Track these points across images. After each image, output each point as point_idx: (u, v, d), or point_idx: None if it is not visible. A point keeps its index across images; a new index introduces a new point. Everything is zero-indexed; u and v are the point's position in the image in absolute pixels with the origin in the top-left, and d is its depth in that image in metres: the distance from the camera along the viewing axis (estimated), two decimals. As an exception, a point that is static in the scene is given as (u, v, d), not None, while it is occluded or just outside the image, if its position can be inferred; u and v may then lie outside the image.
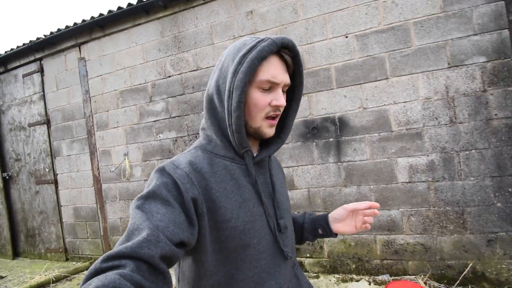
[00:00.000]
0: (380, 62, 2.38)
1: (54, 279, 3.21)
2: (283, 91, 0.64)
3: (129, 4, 3.08)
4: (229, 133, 0.61)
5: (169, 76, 3.10)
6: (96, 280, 0.37)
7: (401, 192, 2.37)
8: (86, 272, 0.43)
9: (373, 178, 2.44)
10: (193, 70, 2.99)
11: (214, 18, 2.88)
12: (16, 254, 4.27)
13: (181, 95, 3.06)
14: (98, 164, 3.56)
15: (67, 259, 3.86)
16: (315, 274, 2.65)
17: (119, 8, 3.11)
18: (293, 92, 0.70)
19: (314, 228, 0.83)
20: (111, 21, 3.25)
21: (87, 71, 3.54)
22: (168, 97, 3.13)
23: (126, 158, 3.37)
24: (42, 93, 3.85)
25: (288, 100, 0.70)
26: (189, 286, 0.63)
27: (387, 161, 2.39)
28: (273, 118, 0.63)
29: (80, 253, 3.78)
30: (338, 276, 2.56)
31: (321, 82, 2.55)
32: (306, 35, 2.58)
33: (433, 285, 2.26)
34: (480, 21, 2.14)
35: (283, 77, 0.61)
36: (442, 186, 2.27)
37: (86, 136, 3.61)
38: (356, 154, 2.47)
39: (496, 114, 2.13)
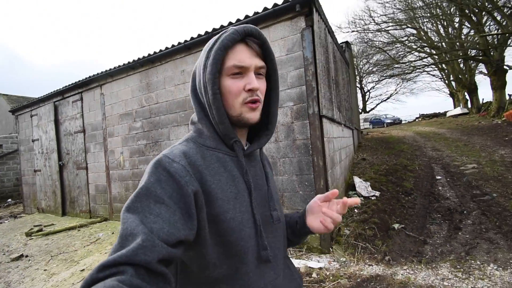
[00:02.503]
0: (243, 103, 3.99)
1: (79, 225, 5.44)
2: (259, 74, 0.63)
3: (124, 64, 5.19)
4: (215, 125, 0.62)
5: (143, 106, 5.12)
6: None
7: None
8: (82, 283, 0.40)
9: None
10: (155, 103, 4.95)
11: (165, 73, 4.80)
12: (63, 213, 6.76)
13: (149, 118, 5.04)
14: (108, 158, 5.75)
15: (90, 217, 6.14)
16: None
17: (119, 66, 5.25)
18: (269, 82, 0.69)
19: (294, 222, 0.77)
20: (116, 73, 5.42)
21: (104, 101, 5.79)
22: (143, 119, 5.13)
23: (122, 155, 5.48)
24: (81, 113, 6.25)
25: (267, 91, 0.69)
26: (190, 279, 0.61)
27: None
28: (252, 102, 0.61)
29: (97, 214, 6.02)
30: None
31: (216, 114, 4.25)
32: (210, 85, 4.31)
33: None
34: (290, 80, 3.63)
35: (252, 61, 0.60)
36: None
37: (103, 141, 5.84)
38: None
39: (297, 137, 3.59)
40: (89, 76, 5.83)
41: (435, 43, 16.46)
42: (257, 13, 3.70)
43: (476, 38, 13.04)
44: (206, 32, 4.13)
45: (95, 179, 6.03)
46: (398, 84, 28.97)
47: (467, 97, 18.41)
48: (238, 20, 3.84)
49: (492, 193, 4.05)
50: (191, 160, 0.59)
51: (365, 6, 36.14)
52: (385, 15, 16.22)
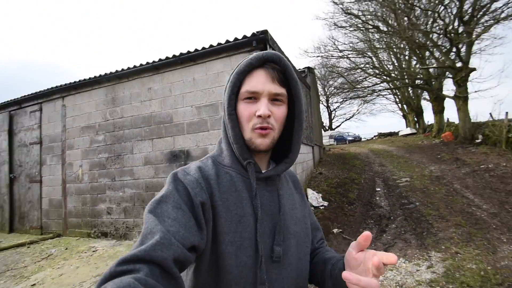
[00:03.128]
0: (206, 121, 4.32)
1: (29, 242, 5.16)
2: (277, 100, 0.63)
3: (90, 78, 5.26)
4: (231, 144, 0.64)
5: (107, 120, 5.18)
6: (111, 284, 0.38)
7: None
8: (101, 276, 0.43)
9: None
10: (120, 118, 5.06)
11: (132, 89, 4.97)
12: (11, 230, 6.30)
13: (113, 131, 5.11)
14: (65, 171, 5.61)
15: (42, 234, 5.83)
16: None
17: (84, 79, 5.30)
18: (294, 110, 0.67)
19: (329, 272, 0.66)
20: (81, 85, 5.44)
21: (65, 113, 5.71)
22: (106, 132, 5.18)
23: (81, 168, 5.41)
24: (40, 124, 6.06)
25: (290, 119, 0.68)
26: None
27: (206, 176, 4.25)
28: (261, 128, 0.61)
29: (50, 229, 5.74)
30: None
31: (180, 130, 4.51)
32: (175, 103, 4.58)
33: None
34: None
35: (265, 86, 0.61)
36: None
37: (61, 153, 5.71)
38: (194, 172, 4.35)
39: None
40: (51, 87, 5.75)
41: (389, 71, 18.48)
42: (220, 44, 4.13)
43: (420, 70, 14.97)
44: (174, 56, 4.45)
45: (50, 193, 5.81)
46: (359, 105, 31.48)
47: (416, 119, 20.67)
48: (203, 48, 4.23)
49: (415, 202, 4.79)
50: (204, 174, 0.61)
51: (329, 34, 39.41)
52: (346, 44, 17.93)
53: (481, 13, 10.17)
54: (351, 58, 19.68)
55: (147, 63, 4.66)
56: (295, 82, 0.65)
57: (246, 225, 0.59)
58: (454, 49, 10.77)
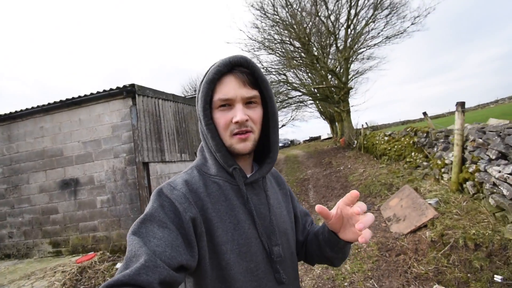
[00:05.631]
0: (91, 154, 5.38)
1: None
2: (252, 102, 0.63)
3: (-16, 117, 5.85)
4: (213, 153, 0.64)
5: (4, 155, 5.84)
6: None
7: (99, 212, 5.26)
8: None
9: (88, 206, 5.32)
10: (16, 153, 5.77)
11: (25, 128, 5.75)
12: None
13: (10, 165, 5.79)
14: (-37, 204, 6.01)
15: None
16: (66, 256, 5.34)
17: (-22, 119, 5.87)
18: (267, 109, 0.68)
19: (324, 239, 0.71)
20: (-25, 124, 5.97)
21: (-39, 149, 6.13)
22: (4, 166, 5.83)
23: (-21, 200, 5.90)
24: None
25: (265, 120, 0.68)
26: None
27: (92, 198, 5.30)
28: (240, 133, 0.61)
29: None
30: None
31: (69, 162, 5.47)
32: (64, 139, 5.53)
33: (108, 255, 5.08)
34: (124, 139, 5.26)
35: (237, 92, 0.61)
36: (112, 208, 5.21)
37: (-43, 187, 6.08)
38: (82, 195, 5.36)
39: (129, 177, 5.19)
40: None
41: (304, 86, 21.37)
42: (99, 92, 5.27)
43: (314, 88, 17.82)
44: (61, 100, 5.42)
45: None
46: (292, 111, 34.72)
47: (330, 125, 24.08)
48: (85, 95, 5.32)
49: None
50: (192, 188, 0.60)
51: (255, 55, 42.61)
52: (268, 61, 20.22)
53: (352, 43, 13.01)
54: (274, 74, 22.14)
55: (38, 106, 5.53)
56: (266, 83, 0.65)
57: (242, 232, 0.61)
58: (335, 71, 13.50)
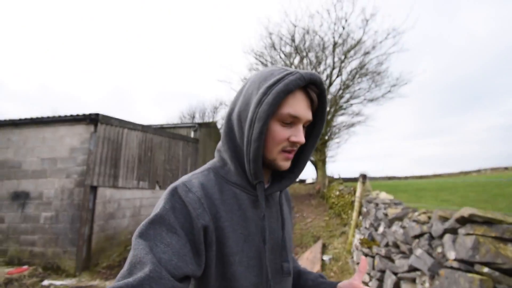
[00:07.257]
0: (46, 170, 5.76)
1: None
2: (303, 126, 0.62)
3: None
4: (245, 161, 0.60)
5: (-32, 160, 6.22)
6: None
7: (41, 227, 5.48)
8: None
9: (32, 220, 5.55)
10: (-21, 160, 6.17)
11: (-5, 138, 6.22)
12: None
13: (-29, 170, 6.15)
14: None
15: None
16: None
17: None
18: (313, 128, 0.67)
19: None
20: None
21: None
22: (-35, 170, 6.18)
23: None
24: None
25: (306, 135, 0.67)
26: None
27: (38, 213, 5.56)
28: (289, 152, 0.61)
29: None
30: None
31: (25, 175, 5.83)
32: (26, 153, 5.95)
33: (40, 271, 5.20)
34: (79, 161, 5.68)
35: (306, 113, 0.60)
36: (54, 225, 5.44)
37: None
38: (29, 208, 5.63)
39: (75, 198, 5.50)
40: None
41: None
42: (66, 116, 5.82)
43: None
44: (31, 118, 5.95)
45: None
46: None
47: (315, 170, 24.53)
48: (48, 116, 5.86)
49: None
50: (207, 193, 0.58)
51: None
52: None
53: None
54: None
55: (10, 119, 6.05)
56: (326, 106, 0.64)
57: (252, 245, 0.60)
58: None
